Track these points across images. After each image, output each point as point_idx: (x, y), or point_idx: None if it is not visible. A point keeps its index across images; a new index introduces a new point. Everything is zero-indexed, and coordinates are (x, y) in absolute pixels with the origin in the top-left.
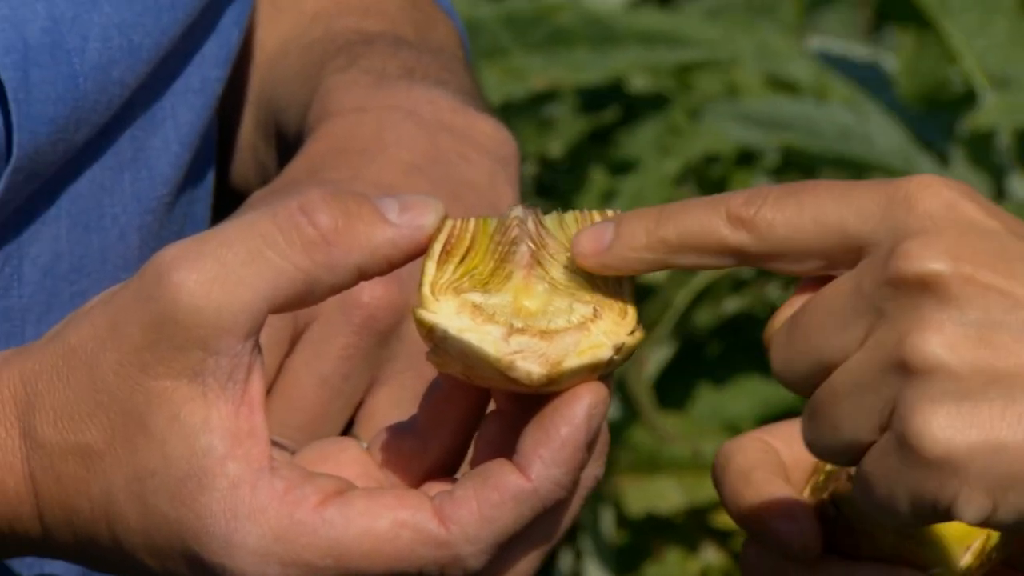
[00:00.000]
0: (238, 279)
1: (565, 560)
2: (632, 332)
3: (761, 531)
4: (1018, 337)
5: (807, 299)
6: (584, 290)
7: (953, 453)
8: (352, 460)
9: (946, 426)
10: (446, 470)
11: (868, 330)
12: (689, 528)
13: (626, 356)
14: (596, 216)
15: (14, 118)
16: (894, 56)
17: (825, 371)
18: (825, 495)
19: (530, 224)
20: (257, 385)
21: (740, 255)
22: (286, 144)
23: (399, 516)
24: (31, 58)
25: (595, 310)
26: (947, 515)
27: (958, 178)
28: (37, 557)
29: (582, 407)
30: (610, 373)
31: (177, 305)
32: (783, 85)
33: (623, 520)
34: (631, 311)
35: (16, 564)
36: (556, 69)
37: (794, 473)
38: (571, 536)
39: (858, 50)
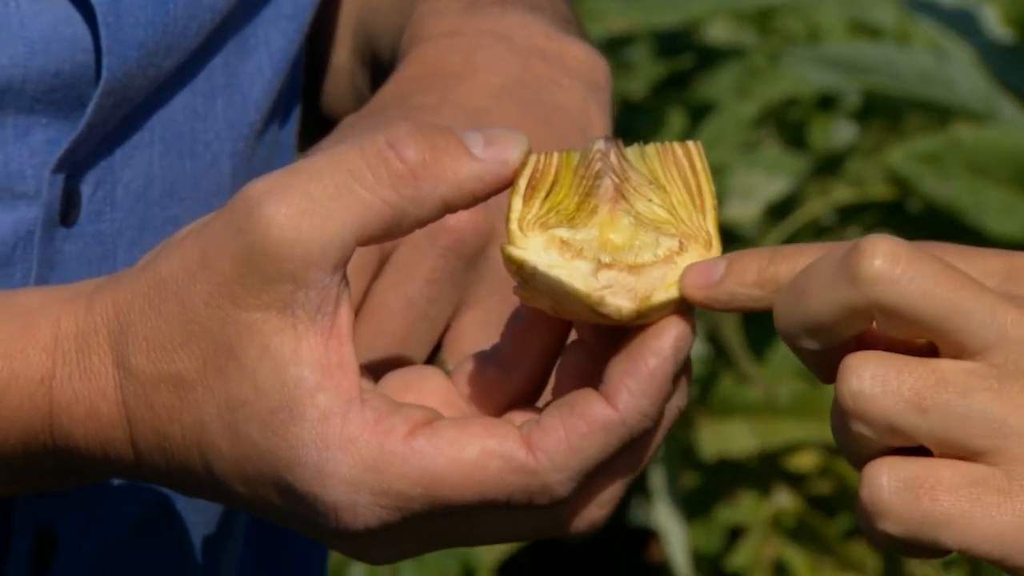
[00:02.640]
0: (327, 213)
1: (638, 503)
2: None
3: None
4: None
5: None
6: (669, 223)
7: None
8: (435, 389)
9: None
10: (528, 399)
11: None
12: (762, 472)
13: None
14: (677, 148)
15: (104, 41)
16: (981, 4)
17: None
18: None
19: (612, 157)
20: (345, 317)
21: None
22: (382, 70)
23: (487, 445)
24: None
25: (680, 243)
26: None
27: None
28: (131, 480)
29: (669, 339)
30: (693, 307)
31: (267, 238)
32: (866, 29)
33: (696, 463)
34: (716, 243)
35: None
36: (633, 12)
37: None
38: (642, 479)
39: None
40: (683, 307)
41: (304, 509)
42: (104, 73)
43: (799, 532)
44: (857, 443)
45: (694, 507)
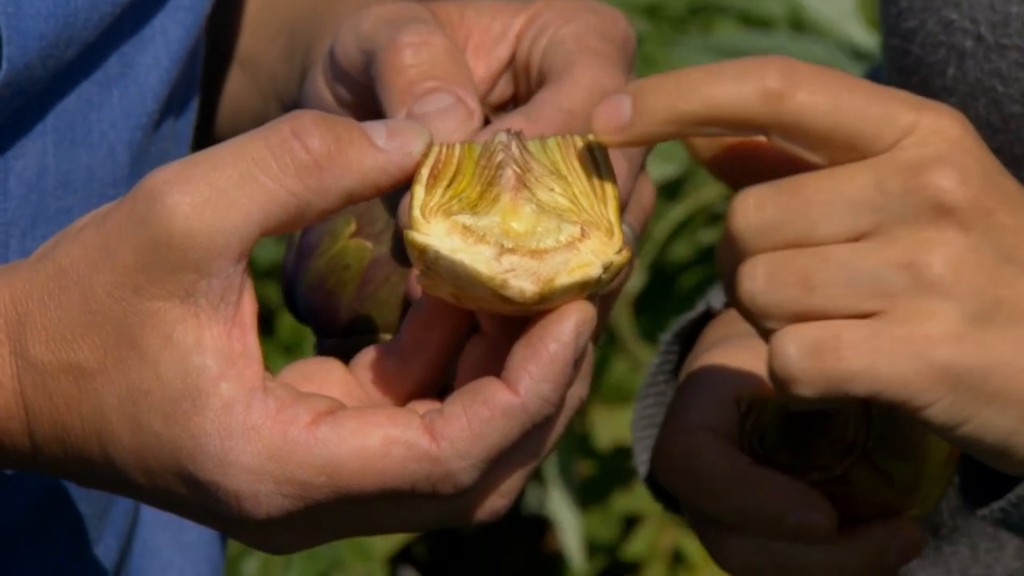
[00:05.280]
0: (230, 202)
1: (532, 491)
2: (619, 251)
3: (773, 523)
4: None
5: (801, 176)
6: (570, 211)
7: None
8: (335, 381)
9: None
10: (430, 390)
11: (876, 226)
12: None
13: (613, 275)
14: (578, 141)
15: (4, 33)
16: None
17: (805, 243)
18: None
19: (514, 148)
20: (248, 306)
21: (764, 130)
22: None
23: (390, 433)
24: None
25: (583, 230)
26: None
27: None
28: (27, 471)
29: (570, 324)
30: (595, 293)
31: (171, 228)
32: (756, 19)
33: (591, 451)
34: (617, 231)
35: None
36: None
37: None
38: (537, 467)
39: None
40: (586, 293)
41: (206, 498)
42: (4, 64)
43: None
44: (765, 330)
45: (589, 496)
